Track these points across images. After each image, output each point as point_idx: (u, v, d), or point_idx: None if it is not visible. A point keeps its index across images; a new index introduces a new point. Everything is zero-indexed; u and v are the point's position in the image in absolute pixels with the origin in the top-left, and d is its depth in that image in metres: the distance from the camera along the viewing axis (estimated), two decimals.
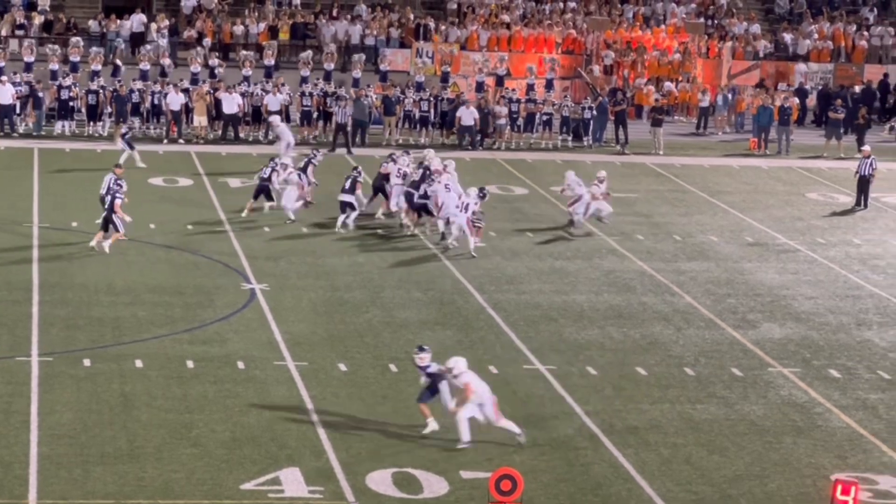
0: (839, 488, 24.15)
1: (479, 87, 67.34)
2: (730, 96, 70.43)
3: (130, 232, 43.66)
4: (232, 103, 61.30)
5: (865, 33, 78.09)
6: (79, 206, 45.32)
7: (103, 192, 42.98)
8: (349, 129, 60.68)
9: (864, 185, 53.81)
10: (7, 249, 43.33)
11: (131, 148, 51.65)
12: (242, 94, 62.01)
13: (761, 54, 75.85)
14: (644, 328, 39.00)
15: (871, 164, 53.65)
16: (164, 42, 69.47)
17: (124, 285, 40.17)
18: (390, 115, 62.84)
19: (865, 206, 54.00)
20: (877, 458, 31.09)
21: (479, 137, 61.55)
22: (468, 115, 61.72)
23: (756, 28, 77.37)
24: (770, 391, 34.92)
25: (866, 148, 55.56)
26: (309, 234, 46.23)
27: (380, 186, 48.61)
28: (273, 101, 61.51)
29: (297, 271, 42.43)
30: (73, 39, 66.91)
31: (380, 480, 28.80)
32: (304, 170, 48.50)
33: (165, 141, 59.80)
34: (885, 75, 75.05)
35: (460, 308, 40.09)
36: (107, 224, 42.08)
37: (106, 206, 42.15)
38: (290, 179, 47.83)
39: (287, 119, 61.27)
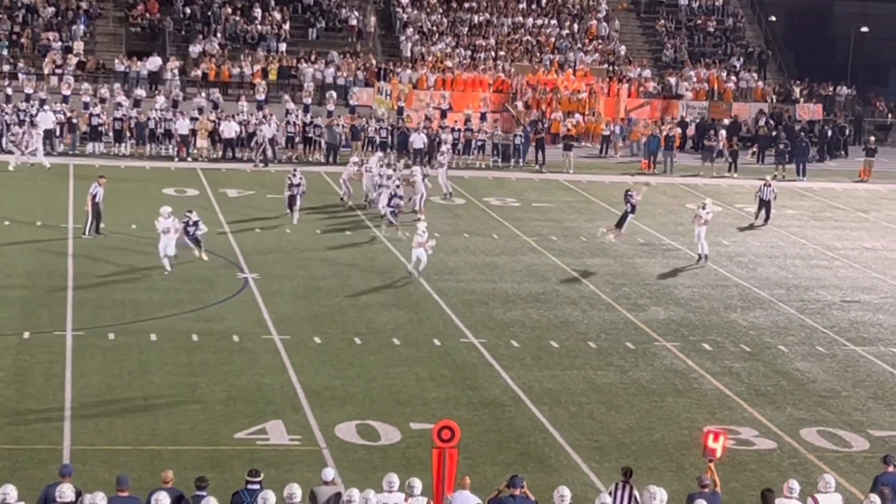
0: (710, 437, 24.18)
1: (427, 118, 67.34)
2: (626, 127, 70.69)
3: (144, 231, 43.59)
4: (231, 129, 61.17)
5: (733, 77, 78.47)
6: (105, 210, 45.03)
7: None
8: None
9: (765, 205, 53.33)
10: (47, 243, 43.18)
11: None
12: (239, 123, 61.86)
13: (652, 93, 76.10)
14: (556, 310, 39.07)
15: (772, 190, 53.30)
16: (175, 79, 69.24)
17: (143, 274, 40.06)
18: (357, 140, 62.81)
19: (766, 222, 53.63)
20: (739, 413, 31.26)
21: (427, 158, 61.54)
22: (419, 140, 61.87)
23: (647, 73, 77.61)
24: (656, 360, 35.05)
25: (768, 177, 55.03)
26: (290, 235, 46.14)
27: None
28: (268, 130, 61.35)
29: (281, 263, 42.42)
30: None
31: (346, 430, 28.80)
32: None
33: (176, 159, 59.55)
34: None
35: (411, 293, 40.10)
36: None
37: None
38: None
39: (274, 143, 61.17)
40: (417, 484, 22.09)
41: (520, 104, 72.15)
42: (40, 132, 56.74)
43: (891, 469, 23.78)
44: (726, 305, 40.93)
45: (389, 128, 63.91)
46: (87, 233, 44.18)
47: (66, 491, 20.84)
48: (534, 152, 64.54)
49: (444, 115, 68.43)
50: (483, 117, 68.42)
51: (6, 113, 60.17)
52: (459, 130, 65.18)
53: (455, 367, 33.62)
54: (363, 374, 32.61)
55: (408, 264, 41.56)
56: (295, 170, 49.88)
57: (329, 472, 22.81)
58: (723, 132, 68.14)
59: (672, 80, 77.52)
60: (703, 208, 45.90)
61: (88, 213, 44.25)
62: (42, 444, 27.06)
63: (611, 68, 77.33)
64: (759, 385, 33.47)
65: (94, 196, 44.12)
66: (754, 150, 70.69)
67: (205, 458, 26.38)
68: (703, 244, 45.72)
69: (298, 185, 48.29)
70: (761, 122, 73.00)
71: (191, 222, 41.22)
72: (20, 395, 29.76)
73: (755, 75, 79.52)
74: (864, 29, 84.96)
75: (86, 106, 62.04)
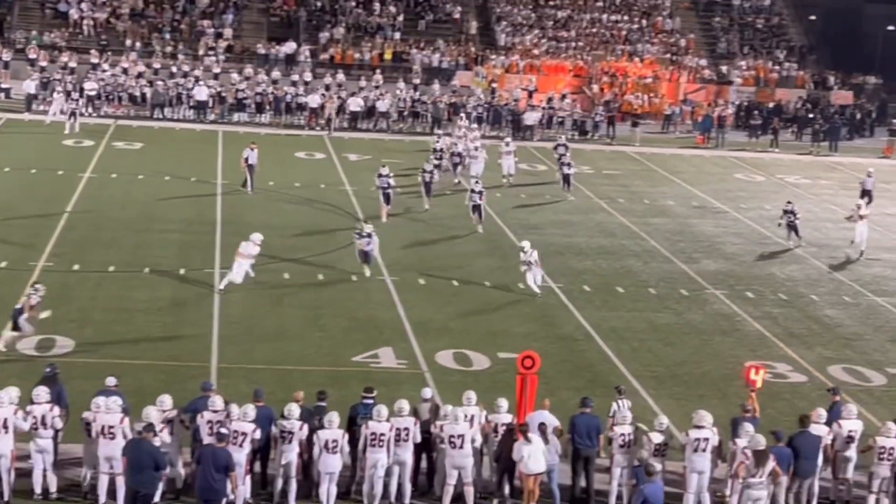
0: (752, 370, 24.06)
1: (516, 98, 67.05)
2: (685, 108, 69.92)
3: (280, 188, 43.83)
4: (355, 104, 61.19)
5: (777, 67, 77.31)
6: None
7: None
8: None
9: (867, 194, 48.62)
10: (201, 197, 43.52)
11: None
12: (362, 98, 61.87)
13: (707, 79, 75.19)
14: (622, 261, 38.90)
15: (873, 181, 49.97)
16: (307, 61, 69.35)
17: (278, 223, 40.27)
18: (456, 115, 62.63)
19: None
20: (776, 351, 31.06)
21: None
22: (531, 117, 62.27)
23: (703, 62, 76.61)
24: (706, 305, 34.84)
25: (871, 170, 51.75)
26: (401, 193, 46.04)
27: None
28: (382, 105, 61.37)
29: (392, 217, 42.36)
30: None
31: (444, 357, 28.96)
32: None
33: (306, 128, 59.75)
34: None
35: (501, 244, 40.08)
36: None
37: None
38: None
39: (387, 116, 61.14)
40: (504, 403, 22.19)
41: (595, 87, 71.54)
42: (61, 95, 55.95)
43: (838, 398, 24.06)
44: (767, 260, 40.55)
45: (486, 105, 63.69)
46: (248, 189, 44.05)
47: (217, 401, 21.14)
48: (606, 128, 64.06)
49: (530, 95, 68.00)
50: (564, 98, 67.87)
51: (168, 87, 60.59)
52: (543, 108, 64.85)
53: (536, 307, 33.60)
54: (459, 310, 32.69)
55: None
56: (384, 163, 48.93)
57: (427, 391, 22.98)
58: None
59: (724, 68, 76.53)
60: (861, 208, 42.54)
61: (245, 173, 44.32)
62: (193, 361, 27.41)
63: (673, 58, 76.45)
64: (793, 328, 33.19)
65: (247, 158, 44.07)
66: (793, 129, 69.77)
67: (327, 377, 26.59)
68: (864, 240, 42.18)
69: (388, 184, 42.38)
70: (800, 106, 72.00)
71: (363, 233, 35.29)
72: (176, 321, 30.14)
73: (796, 65, 78.25)
74: (891, 28, 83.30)
75: (233, 83, 62.31)
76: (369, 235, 34.84)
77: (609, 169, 55.56)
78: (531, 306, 33.49)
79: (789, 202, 43.27)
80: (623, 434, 21.80)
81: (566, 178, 48.35)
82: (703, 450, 21.40)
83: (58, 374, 22.11)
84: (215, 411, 20.93)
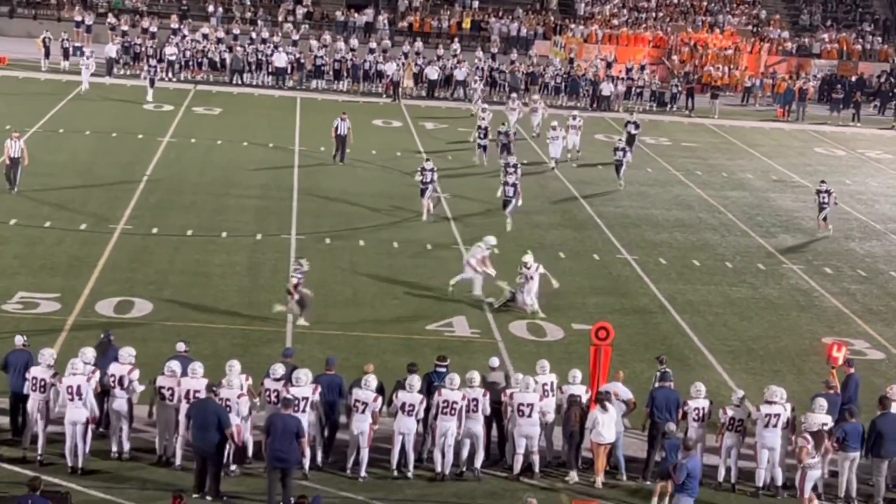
0: (834, 347, 23.84)
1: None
2: (765, 80, 69.13)
3: (357, 155, 43.94)
4: (433, 72, 61.13)
5: (860, 40, 76.20)
6: (325, 136, 45.38)
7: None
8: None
9: None
10: (277, 164, 43.72)
11: None
12: (439, 67, 61.78)
13: (789, 52, 74.27)
14: (699, 234, 38.60)
15: None
16: (385, 29, 69.41)
17: (354, 191, 40.39)
18: (534, 84, 62.37)
19: None
20: (854, 328, 30.73)
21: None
22: (606, 88, 61.70)
23: (786, 34, 75.69)
24: (783, 280, 34.50)
25: None
26: (477, 162, 45.93)
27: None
28: (460, 73, 61.24)
29: (469, 185, 42.34)
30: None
31: (517, 327, 28.93)
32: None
33: (384, 96, 59.81)
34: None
35: (576, 215, 39.93)
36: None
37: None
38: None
39: (465, 85, 60.92)
40: (578, 374, 22.13)
41: (675, 58, 70.95)
42: (90, 66, 54.91)
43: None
44: (846, 235, 40.04)
45: (563, 75, 63.30)
46: (339, 160, 43.54)
47: (278, 369, 21.22)
48: (685, 99, 63.48)
49: (609, 66, 67.54)
50: (643, 68, 67.36)
51: (247, 53, 60.85)
52: (622, 79, 64.39)
53: (611, 278, 33.46)
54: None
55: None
56: (428, 158, 47.75)
57: (495, 360, 23.05)
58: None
59: (807, 40, 75.52)
60: None
61: (335, 143, 43.84)
62: (269, 326, 27.57)
63: (754, 29, 75.61)
64: (871, 304, 32.80)
65: (337, 128, 43.58)
66: (876, 103, 68.78)
67: (401, 345, 26.69)
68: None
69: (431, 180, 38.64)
70: (883, 80, 70.89)
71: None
72: (253, 286, 30.34)
73: (880, 39, 77.12)
74: None
75: (312, 49, 62.46)
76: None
77: (687, 141, 55.08)
78: (606, 278, 33.35)
79: (823, 181, 41.25)
80: (698, 408, 21.68)
81: (618, 166, 44.34)
82: (775, 425, 21.24)
83: (112, 339, 22.23)
84: (276, 379, 21.02)
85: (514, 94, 55.65)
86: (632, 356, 26.98)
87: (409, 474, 21.10)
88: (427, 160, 39.43)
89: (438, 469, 21.17)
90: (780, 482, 21.52)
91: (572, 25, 72.56)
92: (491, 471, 21.60)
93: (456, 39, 68.46)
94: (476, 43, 69.19)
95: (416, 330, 28.07)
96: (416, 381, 21.13)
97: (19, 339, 21.77)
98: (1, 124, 45.22)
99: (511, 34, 71.09)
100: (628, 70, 66.17)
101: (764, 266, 35.69)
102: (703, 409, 21.71)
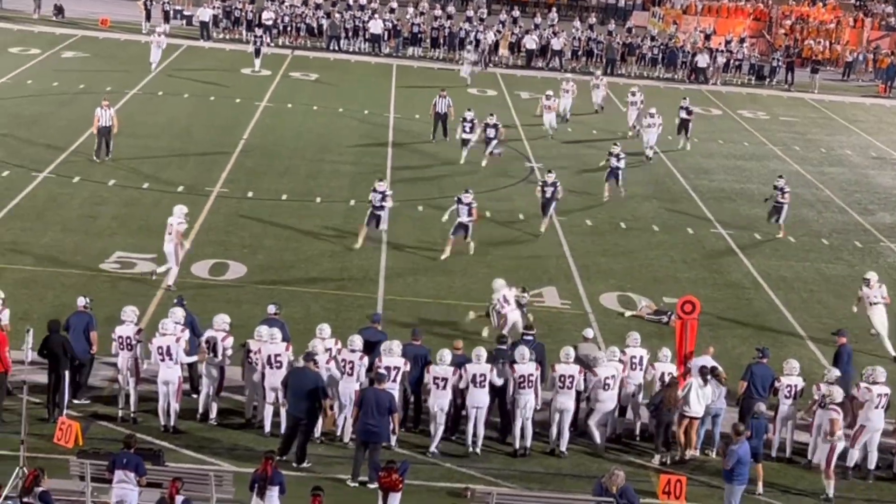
0: None
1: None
2: (867, 55, 67.92)
3: (452, 126, 43.93)
4: (531, 41, 60.81)
5: None
6: (421, 104, 45.42)
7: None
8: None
9: None
10: (371, 130, 43.79)
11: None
12: (538, 36, 61.47)
13: (894, 26, 72.93)
14: (795, 210, 37.99)
15: None
16: None
17: (448, 158, 40.34)
18: (631, 56, 61.82)
19: None
20: None
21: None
22: (702, 59, 60.92)
23: (889, 9, 74.34)
24: (880, 258, 33.99)
25: None
26: (571, 132, 45.66)
27: None
28: (556, 43, 60.86)
29: (564, 157, 42.15)
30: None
31: (608, 299, 28.83)
32: None
33: (481, 65, 59.54)
34: None
35: (670, 188, 39.61)
36: None
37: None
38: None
39: (561, 55, 60.54)
40: (668, 353, 22.06)
41: (775, 31, 69.99)
42: (162, 43, 52.02)
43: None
44: None
45: (661, 46, 62.68)
46: (435, 138, 42.55)
47: (356, 340, 21.14)
48: (784, 73, 62.55)
49: (707, 38, 66.76)
50: (742, 41, 66.48)
51: (344, 19, 61.00)
52: (721, 51, 63.60)
53: (704, 252, 33.20)
54: (625, 253, 32.49)
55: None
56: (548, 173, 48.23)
57: (589, 332, 23.01)
58: None
59: None
60: None
61: (432, 121, 42.86)
62: (360, 292, 27.72)
63: (857, 3, 74.31)
64: None
65: (436, 105, 42.67)
66: None
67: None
68: None
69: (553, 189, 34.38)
70: None
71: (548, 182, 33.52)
72: (345, 252, 30.47)
73: None
74: None
75: (408, 16, 62.46)
76: (554, 185, 33.49)
77: (786, 115, 54.33)
78: (700, 252, 33.09)
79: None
80: (790, 385, 21.49)
81: (614, 173, 37.39)
82: (885, 407, 21.08)
83: (185, 304, 22.38)
84: (353, 350, 20.99)
85: (597, 72, 54.30)
86: (724, 331, 26.79)
87: (477, 450, 21.08)
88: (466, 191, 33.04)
89: (518, 444, 21.16)
90: (872, 465, 21.26)
91: None
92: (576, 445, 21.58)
93: (553, 9, 68.07)
94: (574, 13, 68.77)
95: None
96: (482, 352, 21.08)
97: (81, 301, 21.89)
98: (101, 86, 45.92)
99: (609, 3, 70.53)
100: (727, 42, 65.34)
101: (860, 244, 35.18)
102: (796, 386, 21.51)
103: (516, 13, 66.06)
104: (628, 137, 45.20)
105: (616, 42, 61.78)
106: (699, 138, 46.46)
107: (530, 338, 22.00)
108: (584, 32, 63.54)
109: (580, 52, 61.91)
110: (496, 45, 60.53)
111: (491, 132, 38.16)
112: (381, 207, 30.89)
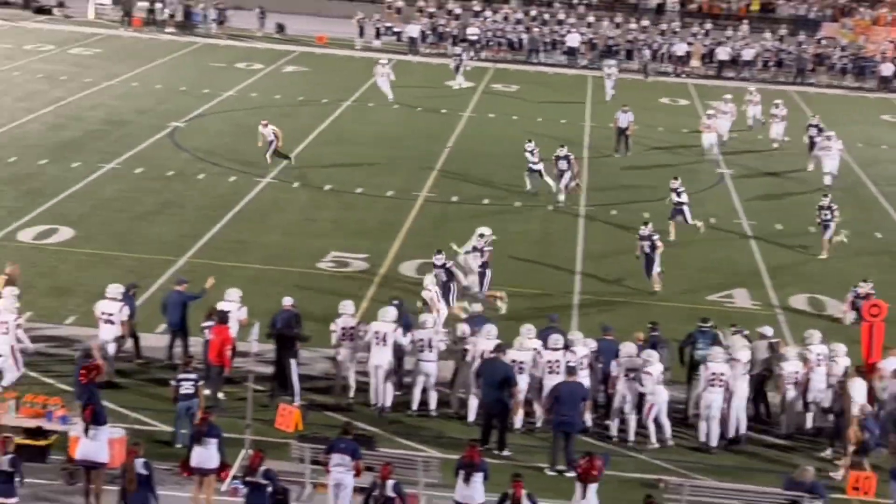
0: None
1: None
2: None
3: (645, 135, 43.45)
4: (723, 52, 59.71)
5: None
6: (614, 112, 44.87)
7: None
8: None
9: None
10: (569, 139, 43.05)
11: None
12: (730, 47, 60.35)
13: None
14: None
15: None
16: (675, 11, 68.41)
17: (642, 164, 39.91)
18: (821, 66, 60.25)
19: None
20: None
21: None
22: (886, 69, 59.06)
23: None
24: None
25: None
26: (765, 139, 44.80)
27: None
28: (748, 53, 59.73)
29: (755, 161, 41.22)
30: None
31: (798, 301, 28.30)
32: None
33: (672, 75, 58.81)
34: None
35: (859, 194, 38.45)
36: None
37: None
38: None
39: (752, 65, 59.34)
40: (842, 347, 21.68)
41: None
42: (467, 55, 54.42)
43: None
44: None
45: (851, 56, 60.97)
46: (620, 153, 41.27)
47: (492, 330, 21.44)
48: None
49: None
50: None
51: (543, 34, 61.04)
52: None
53: (893, 256, 32.24)
54: (815, 254, 31.74)
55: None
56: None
57: (768, 329, 22.76)
58: None
59: None
60: None
61: (615, 135, 41.85)
62: (557, 291, 27.74)
63: None
64: None
65: (618, 120, 41.84)
66: None
67: (683, 313, 26.35)
68: None
69: None
70: None
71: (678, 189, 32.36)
72: (545, 253, 30.60)
73: None
74: None
75: (604, 30, 62.05)
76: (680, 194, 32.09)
77: None
78: (889, 255, 32.14)
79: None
80: None
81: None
82: None
83: (402, 305, 22.61)
84: (489, 339, 21.30)
85: (753, 88, 50.12)
86: None
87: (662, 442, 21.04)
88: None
89: (703, 438, 20.96)
90: None
91: (861, 8, 69.88)
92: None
93: (744, 21, 66.88)
94: (764, 25, 67.39)
95: (697, 300, 27.76)
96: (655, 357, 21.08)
97: (288, 300, 22.40)
98: (319, 98, 46.99)
99: (798, 14, 68.93)
100: None
101: None
102: None
103: (708, 25, 65.09)
104: (773, 149, 43.21)
105: (806, 52, 60.38)
106: (887, 145, 45.02)
107: (707, 329, 22.22)
108: (773, 43, 62.30)
109: (770, 63, 60.67)
110: (688, 55, 59.74)
111: (563, 164, 34.73)
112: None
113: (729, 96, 45.30)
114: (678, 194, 32.17)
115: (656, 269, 27.88)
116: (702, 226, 31.99)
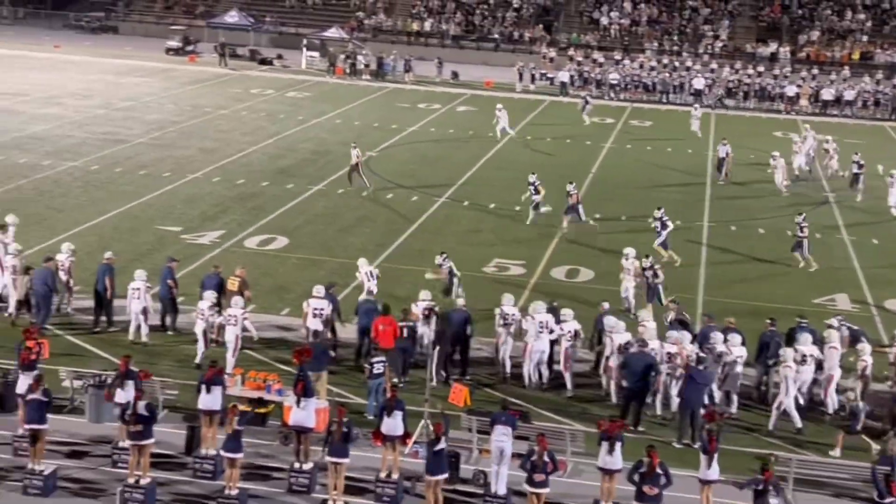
0: None
1: None
2: None
3: (764, 160, 42.28)
4: (828, 93, 57.70)
5: None
6: (732, 145, 43.70)
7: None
8: None
9: None
10: (694, 164, 42.40)
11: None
12: (834, 89, 58.40)
13: None
14: None
15: None
16: (786, 58, 66.56)
17: (758, 185, 38.95)
18: None
19: None
20: None
21: None
22: None
23: None
24: None
25: None
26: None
27: None
28: (849, 94, 57.73)
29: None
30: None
31: (894, 304, 27.27)
32: None
33: (783, 112, 56.95)
34: None
35: None
36: None
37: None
38: None
39: (853, 104, 57.25)
40: None
41: None
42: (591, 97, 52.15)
43: None
44: None
45: None
46: (719, 181, 39.67)
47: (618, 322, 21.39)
48: None
49: None
50: None
51: (673, 78, 60.10)
52: None
53: None
54: None
55: None
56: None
57: (834, 321, 22.47)
58: None
59: None
60: None
61: (717, 163, 40.53)
62: (679, 292, 27.16)
63: None
64: None
65: (718, 151, 40.63)
66: None
67: (790, 314, 25.34)
68: None
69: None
70: None
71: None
72: (667, 265, 29.98)
73: None
74: None
75: (725, 75, 60.80)
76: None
77: None
78: None
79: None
80: None
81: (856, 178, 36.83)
82: None
83: (555, 306, 22.49)
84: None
85: (812, 131, 43.89)
86: None
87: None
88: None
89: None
90: None
91: None
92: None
93: (846, 67, 64.79)
94: (863, 70, 65.17)
95: (803, 301, 26.96)
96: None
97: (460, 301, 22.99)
98: (485, 131, 47.10)
99: (893, 61, 66.42)
100: None
101: None
102: None
103: (815, 71, 63.25)
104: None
105: None
106: None
107: (805, 323, 21.93)
108: (872, 86, 60.19)
109: (869, 102, 58.65)
110: (797, 96, 58.12)
111: (570, 201, 32.30)
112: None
113: (811, 132, 42.77)
114: (801, 229, 29.87)
115: (663, 299, 24.80)
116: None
